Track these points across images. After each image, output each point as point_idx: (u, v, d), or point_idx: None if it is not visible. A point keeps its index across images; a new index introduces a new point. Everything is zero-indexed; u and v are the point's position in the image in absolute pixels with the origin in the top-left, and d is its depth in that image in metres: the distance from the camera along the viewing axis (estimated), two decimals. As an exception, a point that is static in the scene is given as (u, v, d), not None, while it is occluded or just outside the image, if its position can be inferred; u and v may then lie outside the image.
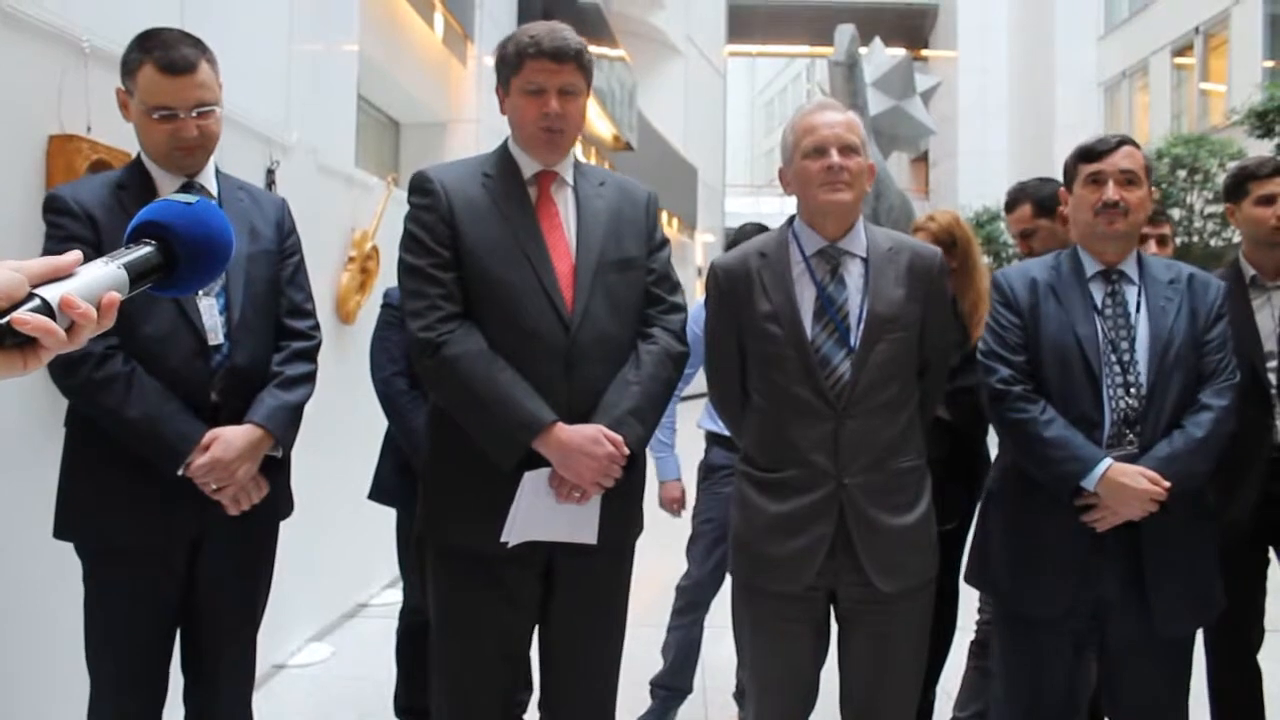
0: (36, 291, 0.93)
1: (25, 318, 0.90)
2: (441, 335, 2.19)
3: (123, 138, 2.70)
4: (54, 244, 2.24)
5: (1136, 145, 2.51)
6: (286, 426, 2.40)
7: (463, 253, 2.25)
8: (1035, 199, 3.31)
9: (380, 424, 3.32)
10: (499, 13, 10.55)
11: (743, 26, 34.38)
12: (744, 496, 2.41)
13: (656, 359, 2.32)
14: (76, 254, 0.98)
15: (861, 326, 2.31)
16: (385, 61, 7.59)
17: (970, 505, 3.21)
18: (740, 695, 3.76)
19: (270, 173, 3.93)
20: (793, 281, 2.35)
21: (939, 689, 3.33)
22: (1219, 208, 15.06)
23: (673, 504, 3.75)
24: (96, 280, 0.97)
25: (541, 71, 2.26)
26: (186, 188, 2.37)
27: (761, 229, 2.63)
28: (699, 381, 2.81)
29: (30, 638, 2.72)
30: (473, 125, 9.31)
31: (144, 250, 1.05)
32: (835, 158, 2.31)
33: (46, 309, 0.92)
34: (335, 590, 4.89)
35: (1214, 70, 19.72)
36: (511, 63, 2.29)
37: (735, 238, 3.42)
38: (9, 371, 0.92)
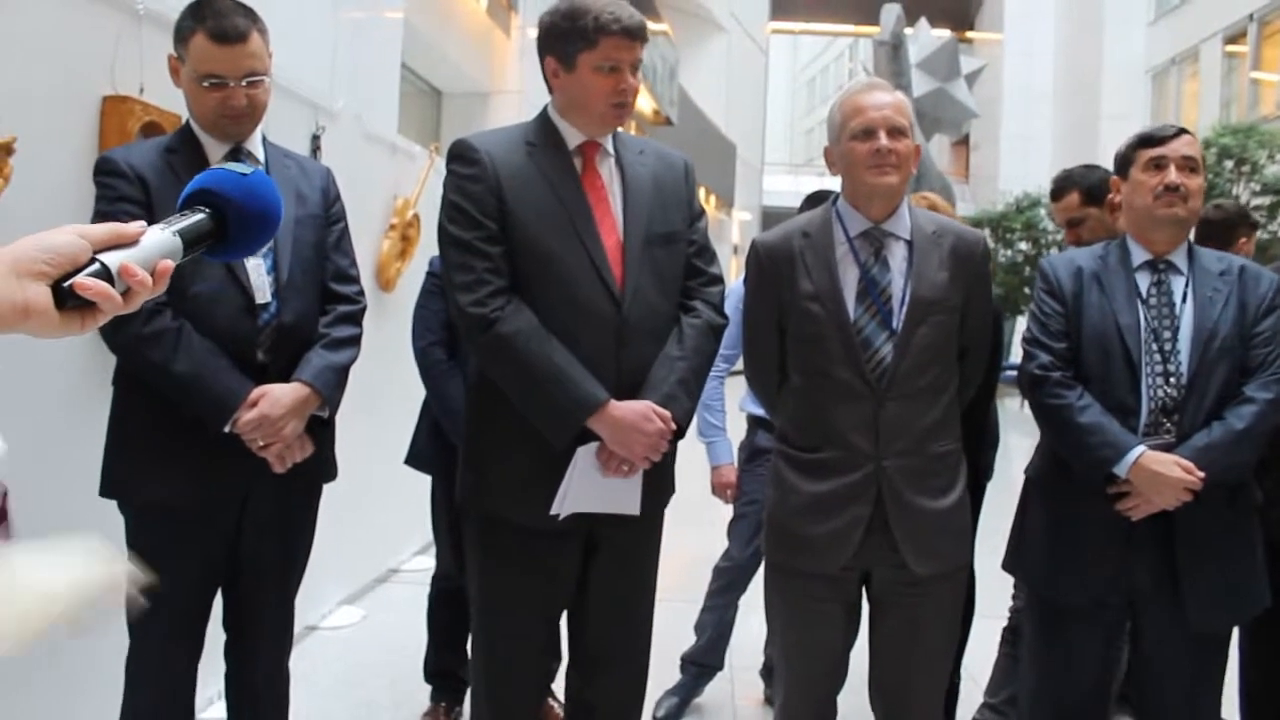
0: (98, 257, 0.97)
1: (86, 283, 0.94)
2: (494, 311, 2.19)
3: (174, 100, 2.72)
4: (105, 204, 2.27)
5: (1194, 136, 2.50)
6: (333, 387, 2.42)
7: (510, 225, 2.23)
8: (1083, 187, 3.27)
9: (417, 391, 3.35)
10: (543, -16, 10.50)
11: (786, 4, 34.11)
12: (780, 476, 2.41)
13: (699, 332, 2.34)
14: (141, 224, 1.02)
15: (904, 309, 2.29)
16: (429, 30, 7.59)
17: (977, 488, 3.18)
18: (766, 673, 3.79)
19: (315, 139, 3.96)
20: (836, 262, 2.33)
21: (966, 674, 3.33)
22: (1266, 200, 14.85)
23: (725, 489, 3.69)
24: (153, 247, 1.01)
25: (619, 48, 2.23)
26: (234, 153, 2.39)
27: (828, 196, 2.61)
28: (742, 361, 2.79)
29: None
30: (515, 96, 9.29)
31: (197, 217, 1.09)
32: (883, 140, 2.28)
33: (106, 274, 0.96)
34: (368, 554, 4.94)
35: (1267, 59, 19.37)
36: (588, 38, 2.22)
37: (804, 206, 3.37)
38: (68, 331, 0.96)
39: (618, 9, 2.24)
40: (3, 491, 0.94)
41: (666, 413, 2.23)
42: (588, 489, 2.25)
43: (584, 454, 2.23)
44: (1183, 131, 2.49)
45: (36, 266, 0.92)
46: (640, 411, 2.21)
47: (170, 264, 1.02)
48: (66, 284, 0.94)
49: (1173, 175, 2.42)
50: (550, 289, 2.23)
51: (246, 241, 1.15)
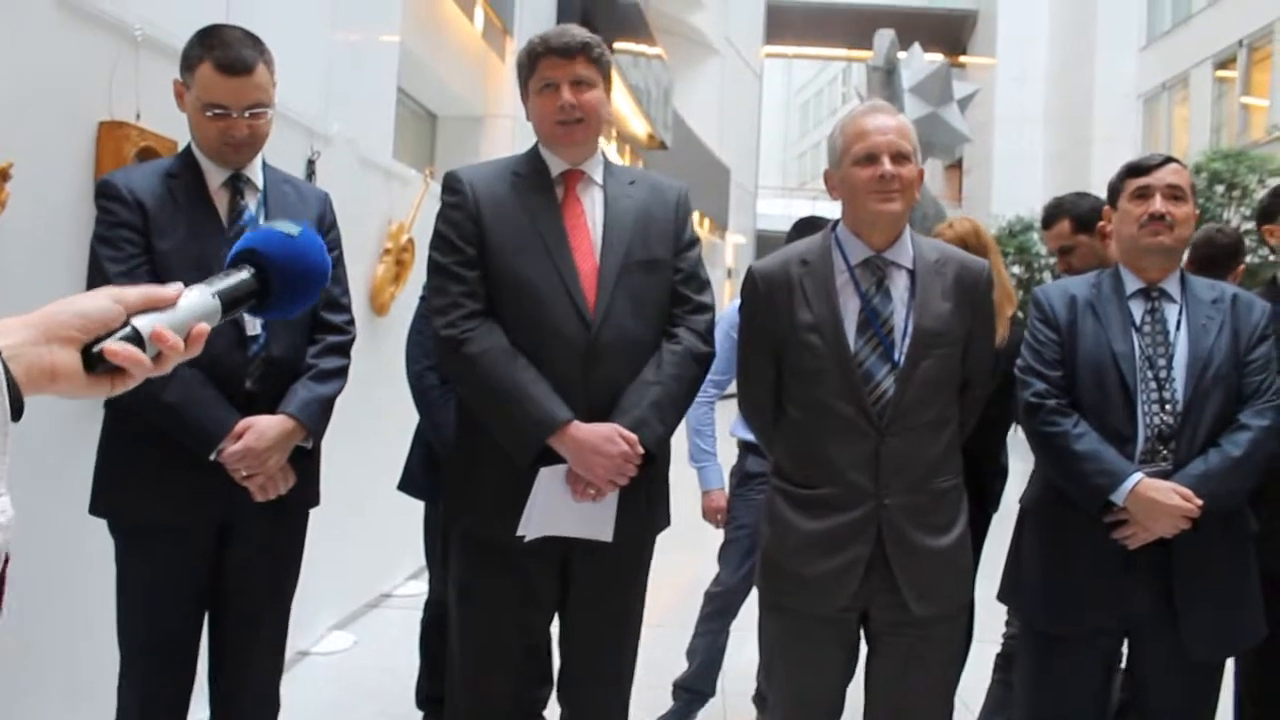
0: (132, 321, 0.99)
1: (115, 348, 0.97)
2: (464, 332, 2.24)
3: (171, 126, 2.73)
4: (104, 229, 2.29)
5: (1182, 165, 2.52)
6: (318, 419, 2.43)
7: (487, 249, 2.29)
8: (1074, 215, 3.30)
9: (411, 416, 3.35)
10: (539, 7, 10.57)
11: (780, 27, 34.29)
12: (777, 512, 2.34)
13: (679, 359, 2.33)
14: (178, 286, 1.04)
15: (907, 341, 2.23)
16: (424, 54, 7.63)
17: (982, 515, 3.20)
18: (759, 699, 3.77)
19: (311, 163, 3.96)
20: (836, 292, 2.27)
21: (959, 700, 3.31)
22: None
23: (715, 514, 3.68)
24: (189, 309, 1.04)
25: (552, 67, 2.32)
26: (234, 179, 2.41)
27: (820, 224, 2.59)
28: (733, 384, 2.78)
29: (65, 613, 2.76)
30: (509, 120, 9.33)
31: (241, 277, 1.12)
32: (888, 166, 2.22)
33: (137, 338, 0.98)
34: (360, 579, 4.92)
35: (1256, 84, 19.49)
36: (526, 66, 2.37)
37: (793, 232, 3.38)
38: (96, 392, 0.99)
39: (550, 33, 2.35)
40: (5, 557, 0.95)
41: (633, 436, 2.22)
42: (555, 511, 2.25)
43: (547, 475, 2.23)
44: (1170, 160, 2.50)
45: (67, 332, 0.96)
46: (604, 434, 2.21)
47: (206, 327, 1.05)
48: (96, 348, 0.96)
49: (1157, 204, 2.43)
50: (522, 311, 2.26)
51: (290, 302, 1.17)
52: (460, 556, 2.40)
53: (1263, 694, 2.93)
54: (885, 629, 2.30)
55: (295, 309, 1.20)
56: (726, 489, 3.70)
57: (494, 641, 2.35)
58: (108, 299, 0.99)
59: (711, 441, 3.66)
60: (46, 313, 0.96)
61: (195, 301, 1.05)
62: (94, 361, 0.96)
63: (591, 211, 2.37)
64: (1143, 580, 2.36)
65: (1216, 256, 3.39)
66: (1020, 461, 2.72)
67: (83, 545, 2.63)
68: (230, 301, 1.09)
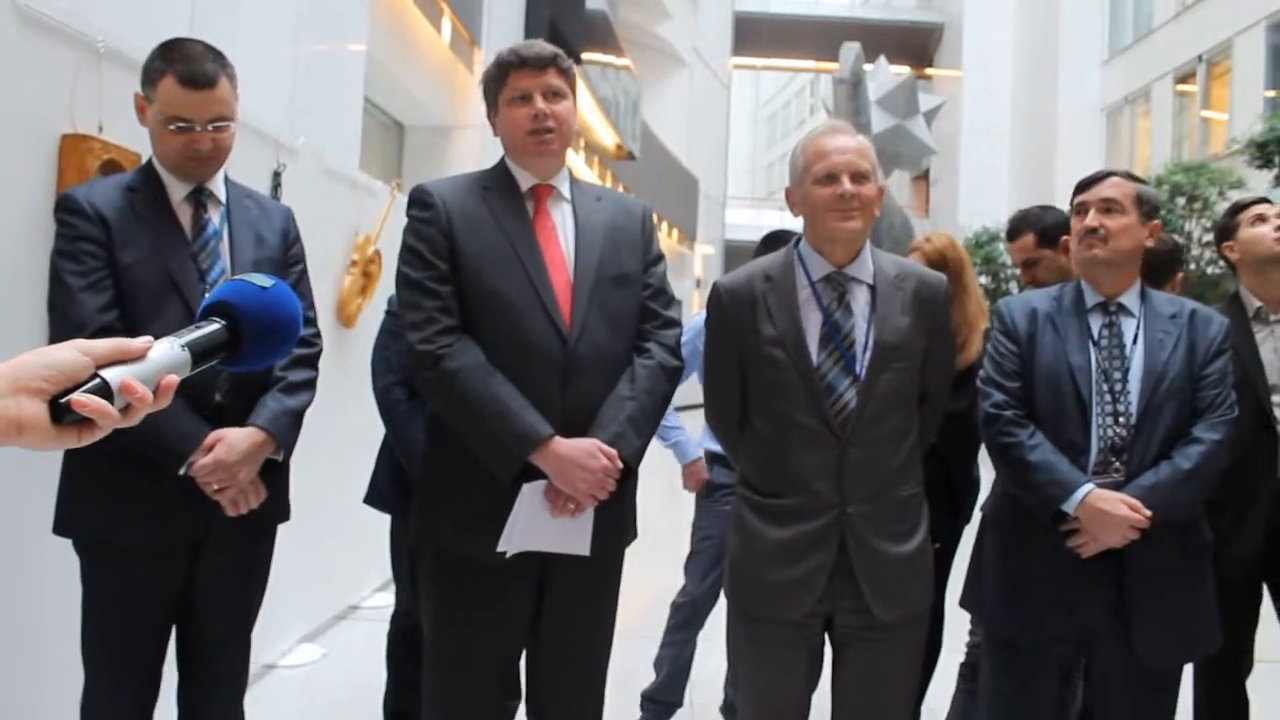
0: (100, 373, 0.99)
1: (83, 399, 0.97)
2: (441, 348, 2.22)
3: (134, 138, 2.72)
4: (64, 243, 2.27)
5: (1135, 179, 2.55)
6: (288, 431, 2.42)
7: (461, 264, 2.28)
8: (1038, 229, 3.33)
9: (378, 429, 3.33)
10: (506, 18, 10.58)
11: (748, 39, 34.42)
12: (743, 521, 2.39)
13: (652, 373, 2.35)
14: (148, 339, 1.04)
15: (867, 355, 2.29)
16: (391, 64, 7.61)
17: (955, 527, 3.24)
18: (727, 709, 3.78)
19: (276, 175, 3.95)
20: (799, 307, 2.33)
21: (926, 709, 3.34)
22: (1217, 235, 15.05)
23: (698, 485, 3.74)
24: (158, 361, 1.04)
25: (524, 78, 2.33)
26: (197, 193, 2.40)
27: (789, 237, 2.63)
28: (694, 393, 2.79)
29: (28, 632, 2.73)
30: (477, 131, 9.30)
31: (212, 329, 1.12)
32: (847, 185, 2.28)
33: (105, 389, 0.99)
34: (327, 592, 4.90)
35: (1216, 98, 19.77)
36: (496, 78, 2.37)
37: (762, 246, 3.40)
38: (64, 444, 0.99)
39: (520, 45, 2.38)
40: None
41: (613, 450, 2.24)
42: (535, 527, 2.25)
43: (529, 491, 2.23)
44: (1110, 174, 2.55)
45: (34, 384, 0.96)
46: (585, 448, 2.22)
47: (175, 379, 1.05)
48: (64, 400, 0.97)
49: (1090, 218, 2.48)
50: (497, 325, 2.26)
51: (263, 354, 1.17)
52: (434, 577, 2.37)
53: (1220, 703, 2.98)
54: (850, 635, 2.34)
55: (268, 360, 1.20)
56: (703, 458, 3.75)
57: (472, 663, 2.33)
58: (76, 351, 0.99)
59: (674, 417, 3.69)
60: (14, 363, 0.97)
61: (164, 353, 1.05)
62: (61, 413, 0.97)
63: (562, 226, 2.38)
64: (1097, 589, 2.40)
65: (1153, 265, 3.42)
66: (991, 473, 2.75)
67: (47, 562, 2.61)
68: (200, 353, 1.09)
